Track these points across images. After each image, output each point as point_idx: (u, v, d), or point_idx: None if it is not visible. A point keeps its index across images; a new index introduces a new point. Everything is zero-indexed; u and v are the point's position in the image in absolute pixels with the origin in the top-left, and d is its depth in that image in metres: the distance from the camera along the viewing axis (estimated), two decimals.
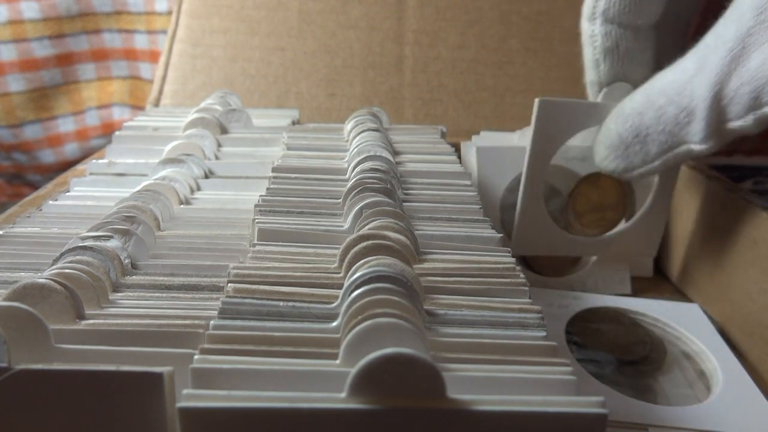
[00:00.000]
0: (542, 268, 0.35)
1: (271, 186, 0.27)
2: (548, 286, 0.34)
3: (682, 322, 0.30)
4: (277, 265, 0.21)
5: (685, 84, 0.25)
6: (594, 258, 0.35)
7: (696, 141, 0.26)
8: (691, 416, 0.24)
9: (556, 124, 0.30)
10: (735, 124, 0.24)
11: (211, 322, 0.17)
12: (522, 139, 0.36)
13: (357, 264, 0.20)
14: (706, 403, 0.25)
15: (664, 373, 0.28)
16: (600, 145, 0.29)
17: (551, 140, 0.30)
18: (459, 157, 0.33)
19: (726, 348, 0.28)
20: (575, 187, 0.32)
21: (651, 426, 0.24)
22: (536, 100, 0.29)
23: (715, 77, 0.24)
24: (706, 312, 0.31)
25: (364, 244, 0.20)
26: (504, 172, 0.34)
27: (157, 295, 0.20)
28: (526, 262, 0.35)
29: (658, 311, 0.31)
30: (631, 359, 0.28)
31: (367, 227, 0.22)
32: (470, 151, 0.35)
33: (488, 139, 0.37)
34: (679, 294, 0.35)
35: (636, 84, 0.30)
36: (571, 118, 0.30)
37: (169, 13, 0.52)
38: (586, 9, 0.30)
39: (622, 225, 0.33)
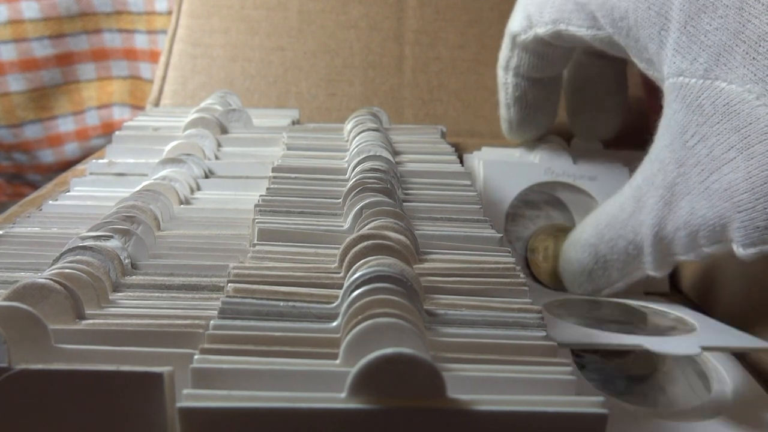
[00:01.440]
0: (547, 281, 0.35)
1: (271, 186, 0.27)
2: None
3: (666, 305, 0.31)
4: (277, 265, 0.21)
5: (626, 221, 0.27)
6: None
7: (649, 269, 0.27)
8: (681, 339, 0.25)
9: (503, 179, 0.34)
10: (681, 257, 0.26)
11: (211, 322, 0.17)
12: (523, 155, 0.37)
13: (357, 264, 0.20)
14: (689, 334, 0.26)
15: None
16: (565, 273, 0.31)
17: (502, 194, 0.34)
18: (458, 155, 0.33)
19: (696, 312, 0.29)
20: (535, 238, 0.34)
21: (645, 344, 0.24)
22: (482, 161, 0.34)
23: (652, 219, 0.26)
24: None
25: (364, 244, 0.20)
26: (510, 185, 0.35)
27: (157, 295, 0.20)
28: (531, 274, 0.35)
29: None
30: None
31: (367, 227, 0.22)
32: (475, 164, 0.36)
33: (491, 154, 0.38)
34: (679, 293, 0.35)
35: (542, 124, 0.36)
36: (515, 173, 0.34)
37: (169, 13, 0.52)
38: (501, 60, 0.35)
39: None
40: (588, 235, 0.29)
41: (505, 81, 0.35)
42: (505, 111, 0.36)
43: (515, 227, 0.35)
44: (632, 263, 0.28)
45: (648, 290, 0.33)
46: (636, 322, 0.29)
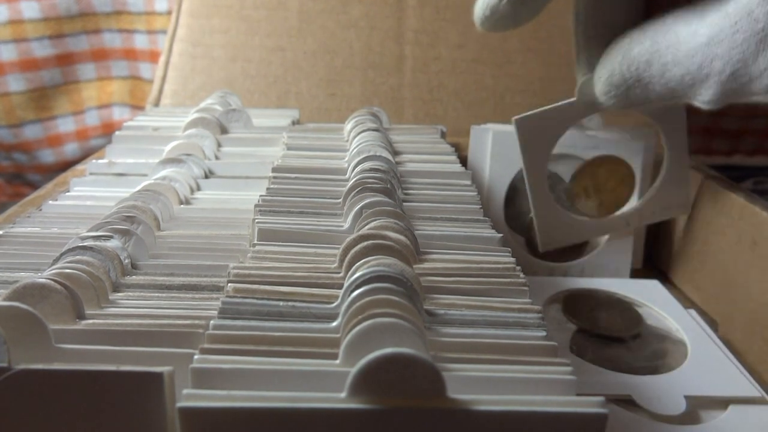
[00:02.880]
0: (547, 256, 0.36)
1: (271, 186, 0.27)
2: (540, 272, 0.36)
3: (647, 297, 0.33)
4: (277, 265, 0.21)
5: (696, 50, 0.24)
6: (599, 247, 0.36)
7: (702, 102, 0.25)
8: (668, 382, 0.26)
9: (539, 135, 0.31)
10: (752, 97, 0.24)
11: (211, 322, 0.17)
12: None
13: (357, 264, 0.20)
14: (679, 369, 0.27)
15: (638, 346, 0.29)
16: (602, 80, 0.29)
17: (540, 151, 0.31)
18: (458, 155, 0.33)
19: (689, 317, 0.31)
20: (581, 171, 0.33)
21: (634, 395, 0.25)
22: (513, 120, 0.31)
23: (738, 55, 0.23)
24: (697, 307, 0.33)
25: (364, 244, 0.20)
26: (516, 155, 0.35)
27: (157, 295, 0.20)
28: (529, 245, 0.36)
29: (622, 289, 0.33)
30: (614, 336, 0.30)
31: (367, 227, 0.22)
32: (483, 135, 0.36)
33: (500, 127, 0.38)
34: (679, 293, 0.35)
35: (523, 18, 0.30)
36: (551, 124, 0.31)
37: (169, 12, 0.52)
38: None
39: (633, 201, 0.35)
40: (644, 50, 0.27)
41: None
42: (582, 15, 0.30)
43: (520, 198, 0.36)
44: (683, 92, 0.26)
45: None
46: (630, 339, 0.30)
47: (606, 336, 0.29)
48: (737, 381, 0.26)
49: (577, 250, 0.36)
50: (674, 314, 0.31)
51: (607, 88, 0.29)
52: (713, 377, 0.26)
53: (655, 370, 0.27)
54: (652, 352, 0.29)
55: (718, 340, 0.29)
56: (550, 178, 0.35)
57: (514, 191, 0.36)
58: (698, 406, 0.25)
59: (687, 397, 0.25)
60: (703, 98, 0.25)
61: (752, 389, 0.25)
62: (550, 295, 0.33)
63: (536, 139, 0.31)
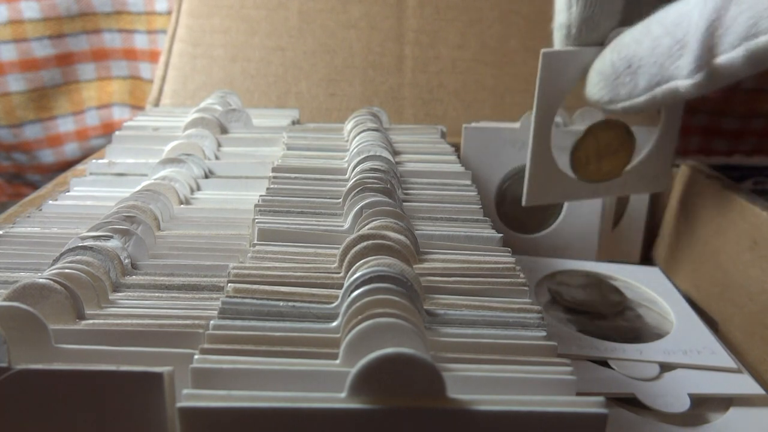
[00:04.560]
0: (520, 223, 0.38)
1: (271, 186, 0.27)
2: (518, 245, 0.37)
3: (644, 281, 0.33)
4: (277, 265, 0.21)
5: (683, 15, 0.25)
6: (560, 218, 0.37)
7: (683, 75, 0.25)
8: (649, 350, 0.27)
9: (561, 73, 0.31)
10: (724, 57, 0.24)
11: (211, 322, 0.17)
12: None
13: (357, 264, 0.20)
14: (663, 340, 0.28)
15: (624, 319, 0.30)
16: (593, 72, 0.29)
17: (557, 89, 0.31)
18: (458, 155, 0.33)
19: (683, 301, 0.32)
20: (585, 136, 0.33)
21: (611, 359, 0.26)
22: (542, 52, 0.30)
23: (713, 4, 0.23)
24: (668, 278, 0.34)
25: (364, 244, 0.20)
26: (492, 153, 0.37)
27: (157, 295, 0.20)
28: (504, 219, 0.38)
29: (619, 272, 0.34)
30: (600, 312, 0.31)
31: (367, 227, 0.22)
32: (471, 133, 0.37)
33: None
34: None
35: (604, 27, 0.30)
36: (574, 67, 0.31)
37: (169, 13, 0.51)
38: None
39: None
40: (636, 32, 0.27)
41: None
42: (564, 14, 0.31)
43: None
44: (669, 69, 0.25)
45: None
46: (613, 317, 0.31)
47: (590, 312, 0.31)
48: (720, 354, 0.27)
49: (539, 221, 0.38)
50: (667, 296, 0.32)
51: (596, 78, 0.29)
52: (695, 345, 0.28)
53: (638, 332, 0.28)
54: (635, 316, 0.30)
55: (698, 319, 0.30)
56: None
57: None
58: (701, 404, 0.25)
59: (691, 395, 0.25)
60: (686, 70, 0.25)
61: (731, 361, 0.27)
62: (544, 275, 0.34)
63: (557, 77, 0.31)
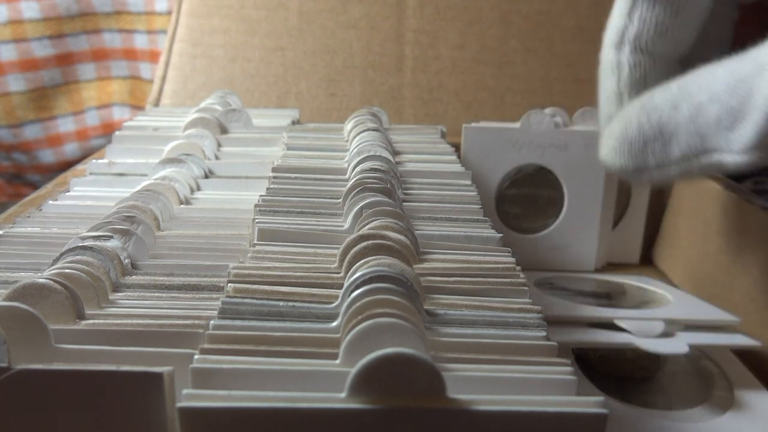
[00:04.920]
0: (519, 223, 0.38)
1: (271, 186, 0.27)
2: (518, 245, 0.37)
3: (645, 281, 0.34)
4: (277, 265, 0.21)
5: (739, 82, 0.21)
6: (560, 218, 0.38)
7: (734, 149, 0.22)
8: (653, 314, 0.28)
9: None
10: None
11: (211, 322, 0.17)
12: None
13: (357, 264, 0.20)
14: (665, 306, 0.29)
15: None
16: (611, 137, 0.25)
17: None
18: (458, 155, 0.33)
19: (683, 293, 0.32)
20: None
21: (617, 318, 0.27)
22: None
23: None
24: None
25: (364, 244, 0.20)
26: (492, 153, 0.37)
27: (157, 295, 0.20)
28: (504, 219, 0.38)
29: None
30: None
31: (367, 227, 0.22)
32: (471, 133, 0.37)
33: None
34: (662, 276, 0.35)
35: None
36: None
37: (169, 13, 0.51)
38: (612, 34, 0.26)
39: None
40: (671, 95, 0.23)
41: (617, 60, 0.26)
42: (613, 105, 0.27)
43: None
44: (714, 139, 0.22)
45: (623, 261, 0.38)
46: (616, 296, 0.31)
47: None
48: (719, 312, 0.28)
49: (539, 221, 0.38)
50: (655, 284, 0.33)
51: (617, 144, 0.25)
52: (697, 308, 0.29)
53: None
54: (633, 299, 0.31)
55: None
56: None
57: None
58: (702, 404, 0.25)
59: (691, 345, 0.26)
60: (739, 144, 0.21)
61: (731, 316, 0.28)
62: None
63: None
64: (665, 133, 0.23)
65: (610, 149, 0.25)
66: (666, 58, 0.26)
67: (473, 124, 0.37)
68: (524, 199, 0.38)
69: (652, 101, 0.24)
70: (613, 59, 0.26)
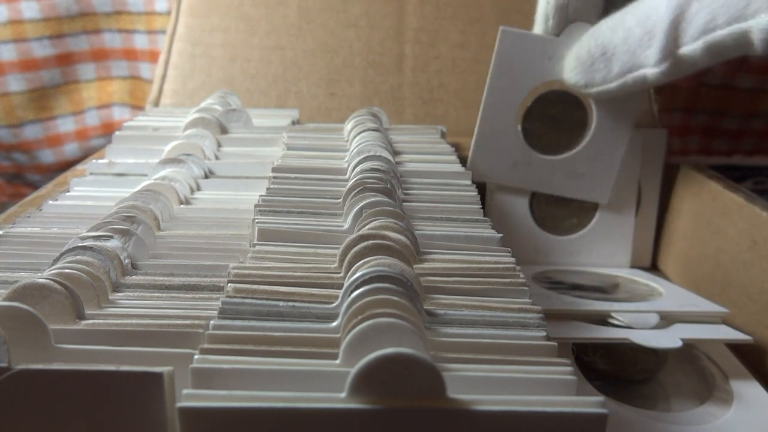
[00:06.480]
0: (548, 224, 0.37)
1: (271, 186, 0.27)
2: (550, 246, 0.37)
3: (637, 274, 0.35)
4: (277, 265, 0.21)
5: (653, 8, 0.27)
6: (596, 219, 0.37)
7: (651, 64, 0.27)
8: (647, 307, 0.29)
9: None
10: (686, 48, 0.26)
11: (211, 322, 0.17)
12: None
13: (357, 264, 0.20)
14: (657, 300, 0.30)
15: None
16: (571, 57, 0.31)
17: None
18: (458, 155, 0.33)
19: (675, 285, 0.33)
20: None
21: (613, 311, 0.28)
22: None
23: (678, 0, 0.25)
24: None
25: (364, 244, 0.20)
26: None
27: (157, 295, 0.20)
28: (535, 217, 0.37)
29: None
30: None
31: (367, 227, 0.22)
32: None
33: None
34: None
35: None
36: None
37: (169, 12, 0.51)
38: None
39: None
40: (612, 21, 0.29)
41: None
42: (541, 23, 0.33)
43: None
44: (639, 57, 0.27)
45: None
46: (610, 289, 0.32)
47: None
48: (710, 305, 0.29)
49: (579, 222, 0.38)
50: (649, 278, 0.34)
51: (574, 63, 0.30)
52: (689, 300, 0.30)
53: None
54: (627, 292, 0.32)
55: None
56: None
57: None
58: (703, 404, 0.25)
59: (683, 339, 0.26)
60: (653, 59, 0.27)
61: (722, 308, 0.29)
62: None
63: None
64: (607, 53, 0.29)
65: (567, 68, 0.31)
66: None
67: (511, 28, 0.34)
68: (549, 119, 0.36)
69: (600, 27, 0.29)
70: None
